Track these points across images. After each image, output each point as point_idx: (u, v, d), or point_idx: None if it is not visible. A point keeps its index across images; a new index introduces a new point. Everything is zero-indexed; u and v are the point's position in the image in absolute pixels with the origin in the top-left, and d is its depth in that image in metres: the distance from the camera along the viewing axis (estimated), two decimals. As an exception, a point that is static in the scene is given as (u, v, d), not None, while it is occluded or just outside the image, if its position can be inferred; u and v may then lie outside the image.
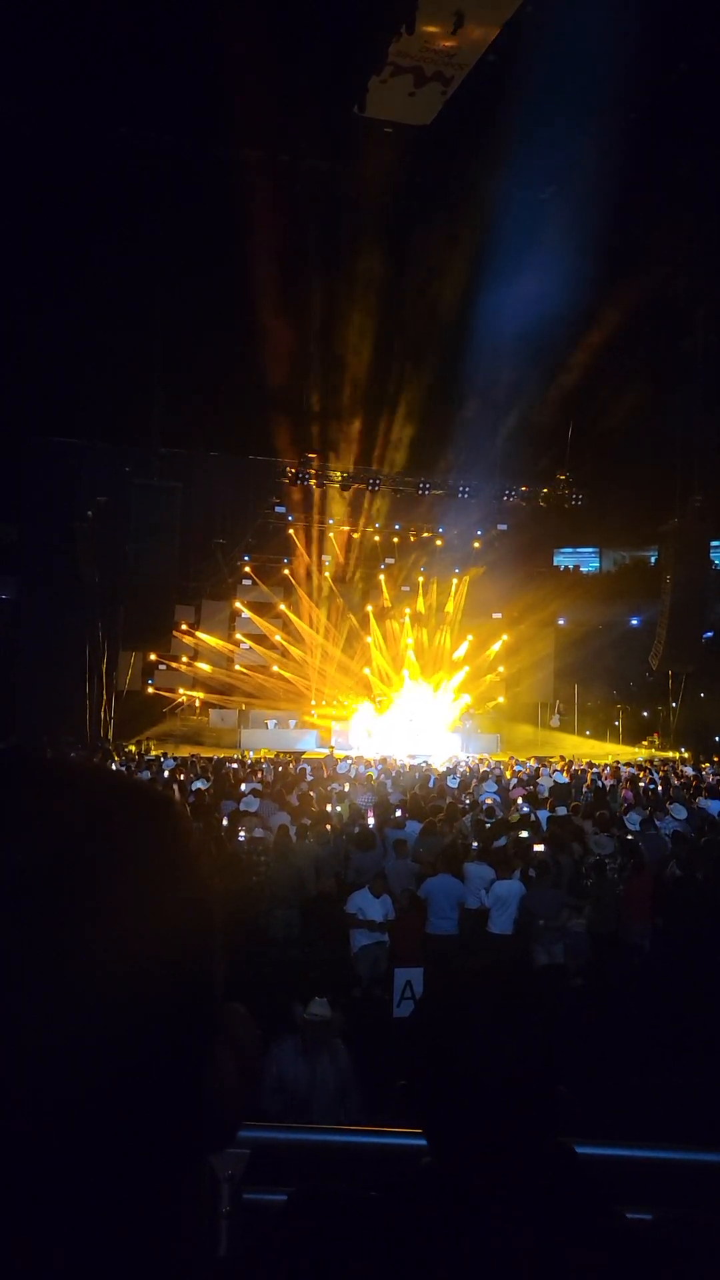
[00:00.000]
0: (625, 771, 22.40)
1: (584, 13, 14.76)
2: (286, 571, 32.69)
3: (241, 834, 12.28)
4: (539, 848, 11.49)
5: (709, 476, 26.09)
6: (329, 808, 15.45)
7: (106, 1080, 0.49)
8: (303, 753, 27.15)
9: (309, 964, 9.62)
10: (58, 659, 27.35)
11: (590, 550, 40.85)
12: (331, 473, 29.68)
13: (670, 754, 30.79)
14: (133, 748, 26.12)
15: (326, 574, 32.86)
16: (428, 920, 9.69)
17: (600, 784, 19.85)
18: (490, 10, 15.36)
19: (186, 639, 30.77)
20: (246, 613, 32.71)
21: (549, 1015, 1.06)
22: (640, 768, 24.21)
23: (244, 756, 25.29)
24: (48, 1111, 0.48)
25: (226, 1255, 1.93)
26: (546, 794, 17.63)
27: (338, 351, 26.85)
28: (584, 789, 19.23)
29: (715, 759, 27.44)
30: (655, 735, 33.86)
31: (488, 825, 13.56)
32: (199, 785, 17.15)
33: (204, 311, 23.21)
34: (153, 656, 29.63)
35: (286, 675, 32.62)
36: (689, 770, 24.60)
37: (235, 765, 21.88)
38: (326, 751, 26.52)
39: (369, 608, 33.53)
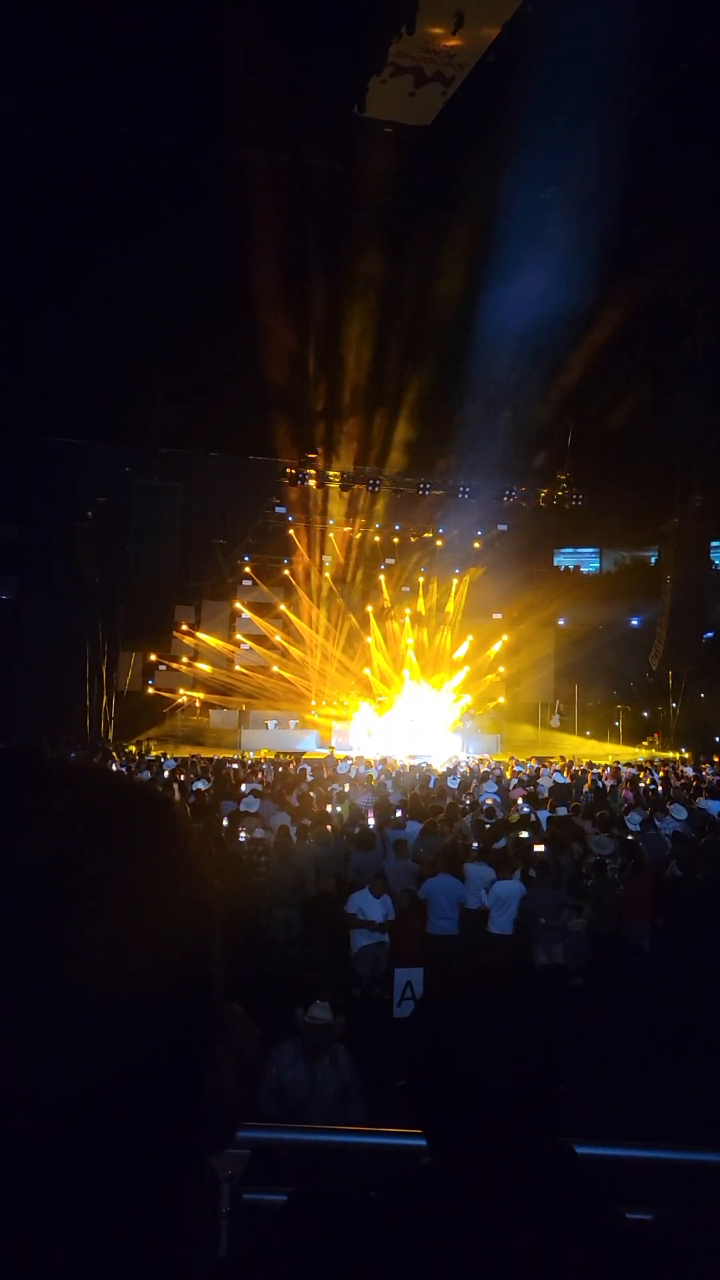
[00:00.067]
0: (625, 772, 22.40)
1: (584, 13, 14.75)
2: (286, 572, 32.70)
3: (242, 834, 12.28)
4: (539, 848, 11.50)
5: (709, 476, 26.08)
6: (329, 808, 15.45)
7: (106, 1080, 0.49)
8: (303, 753, 27.16)
9: (309, 964, 9.63)
10: (58, 659, 27.36)
11: (590, 550, 40.85)
12: (331, 473, 29.68)
13: (670, 754, 30.79)
14: (133, 748, 26.13)
15: (326, 574, 32.87)
16: (428, 920, 9.70)
17: (600, 784, 19.85)
18: (490, 10, 15.36)
19: (186, 639, 30.77)
20: (246, 613, 32.72)
21: (549, 1015, 1.06)
22: (640, 768, 24.21)
23: (244, 757, 25.29)
24: (48, 1111, 0.48)
25: (226, 1255, 1.93)
26: (546, 794, 17.63)
27: (338, 351, 26.85)
28: (584, 789, 19.23)
29: (715, 759, 27.44)
30: (655, 735, 33.86)
31: (488, 825, 13.56)
32: (199, 785, 17.15)
33: (204, 311, 23.20)
34: (153, 657, 29.62)
35: (286, 676, 32.63)
36: (689, 770, 24.60)
37: (235, 766, 21.88)
38: (327, 752, 26.52)
39: (369, 608, 33.53)
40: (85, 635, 27.27)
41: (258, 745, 28.54)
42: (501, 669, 35.00)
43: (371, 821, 13.92)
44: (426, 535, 33.70)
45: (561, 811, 15.01)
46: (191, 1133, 0.56)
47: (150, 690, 31.16)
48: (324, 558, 32.76)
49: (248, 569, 32.08)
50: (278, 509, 31.47)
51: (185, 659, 31.41)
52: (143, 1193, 0.52)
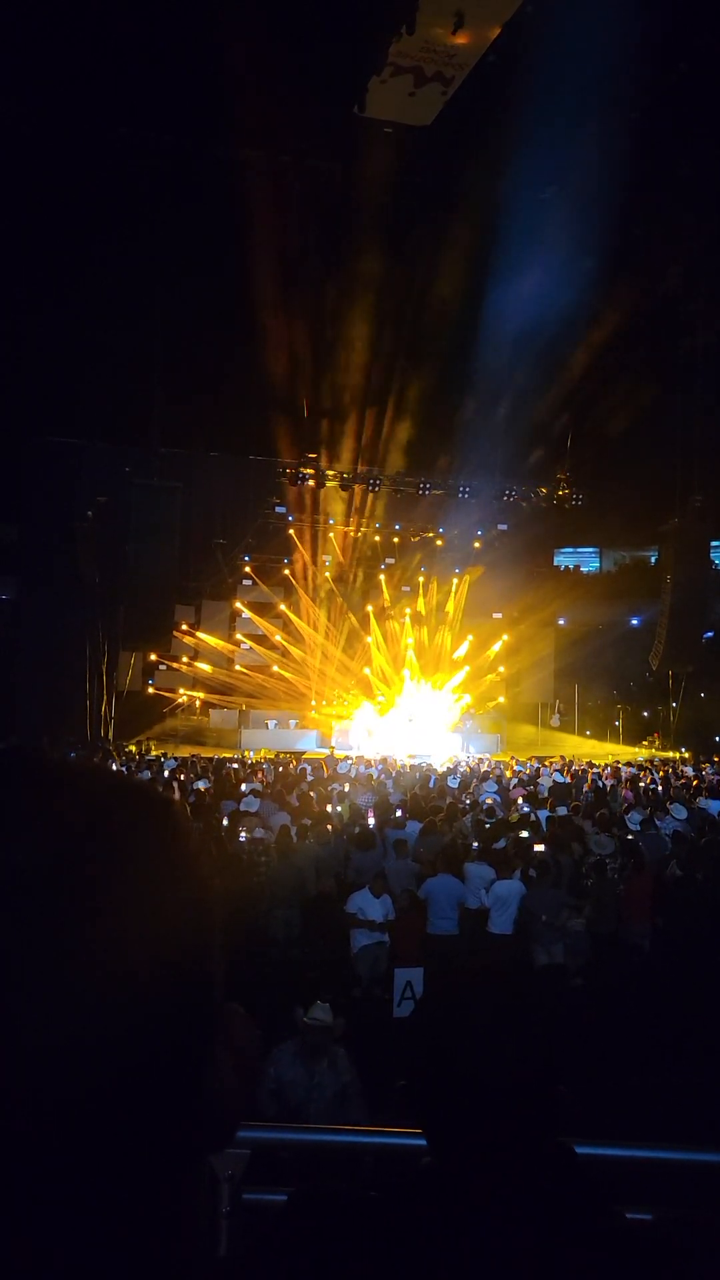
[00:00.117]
0: (625, 771, 22.40)
1: (584, 13, 14.76)
2: (286, 571, 32.69)
3: (242, 834, 12.28)
4: (539, 848, 11.49)
5: (709, 476, 26.10)
6: (329, 808, 15.45)
7: (106, 1080, 0.49)
8: (303, 753, 27.15)
9: (309, 964, 9.63)
10: (58, 659, 27.36)
11: (590, 550, 40.86)
12: (331, 473, 29.68)
13: (670, 754, 30.79)
14: (133, 748, 26.12)
15: (326, 574, 32.87)
16: (428, 920, 9.69)
17: (600, 784, 19.85)
18: (490, 10, 15.36)
19: (187, 639, 30.76)
20: (247, 613, 32.71)
21: (549, 1015, 1.06)
22: (640, 768, 24.21)
23: (244, 756, 25.29)
24: (48, 1111, 0.48)
25: (226, 1255, 1.93)
26: (546, 794, 17.63)
27: (338, 351, 26.87)
28: (584, 789, 19.23)
29: (715, 759, 27.44)
30: (655, 735, 33.87)
31: (488, 825, 13.56)
32: (200, 785, 17.16)
33: (204, 311, 23.22)
34: (153, 656, 29.62)
35: (287, 675, 32.63)
36: (689, 770, 24.61)
37: (235, 765, 21.88)
38: (327, 751, 26.52)
39: (369, 608, 33.52)
40: (85, 635, 27.27)
41: (258, 745, 28.53)
42: (501, 669, 35.00)
43: (371, 821, 13.92)
44: (426, 535, 33.70)
45: (561, 811, 15.00)
46: (191, 1133, 0.56)
47: (150, 690, 31.16)
48: (324, 557, 32.77)
49: (248, 569, 32.08)
50: (278, 509, 31.47)
51: (185, 659, 31.41)
52: (143, 1193, 0.52)
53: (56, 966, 0.48)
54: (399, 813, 14.53)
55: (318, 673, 33.02)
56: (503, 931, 9.84)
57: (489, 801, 16.02)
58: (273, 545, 32.27)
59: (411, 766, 23.67)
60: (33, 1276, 0.49)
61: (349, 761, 23.69)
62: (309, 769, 21.10)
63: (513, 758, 26.90)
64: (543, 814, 14.71)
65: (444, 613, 34.82)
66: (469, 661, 33.95)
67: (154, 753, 25.15)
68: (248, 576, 32.22)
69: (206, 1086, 0.56)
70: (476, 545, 33.86)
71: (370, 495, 30.91)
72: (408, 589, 34.66)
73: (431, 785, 19.51)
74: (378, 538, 33.42)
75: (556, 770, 22.29)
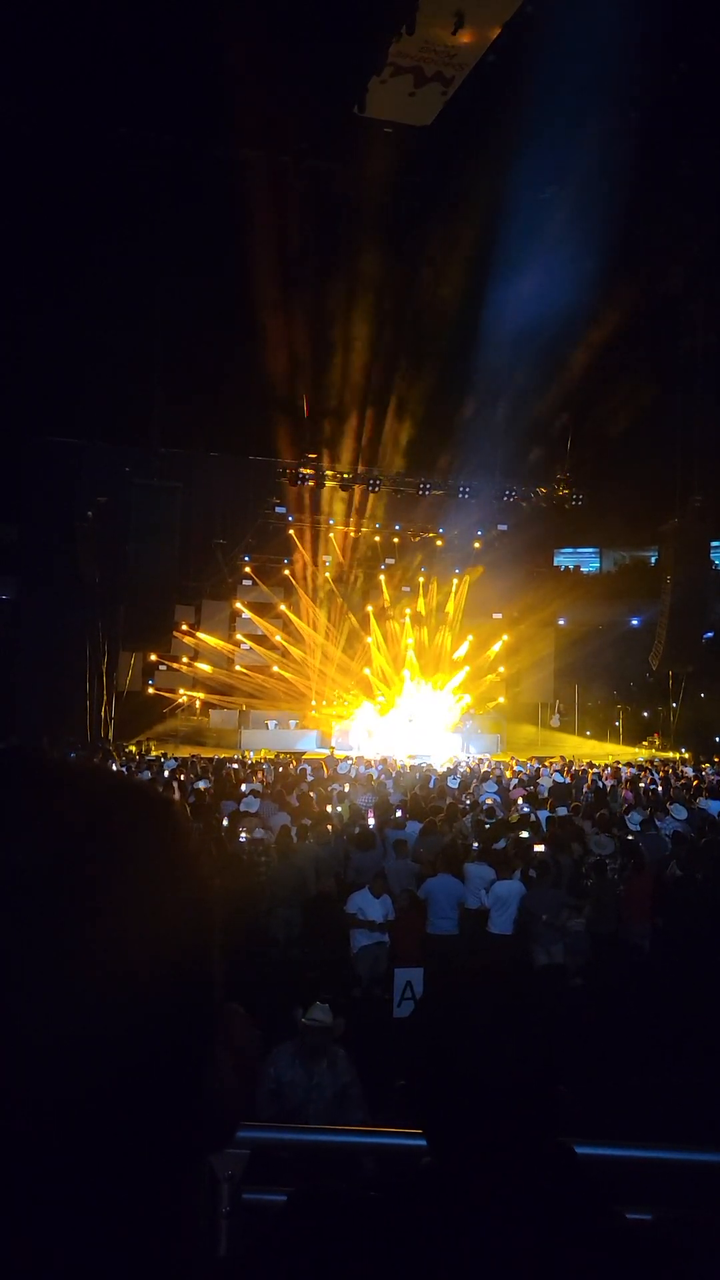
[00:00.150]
0: (625, 772, 22.40)
1: (584, 13, 14.76)
2: (286, 571, 32.68)
3: (242, 834, 12.28)
4: (539, 848, 11.49)
5: (709, 476, 26.10)
6: (329, 808, 15.44)
7: (106, 1080, 0.49)
8: (303, 753, 27.15)
9: (309, 964, 9.63)
10: (58, 659, 27.35)
11: (590, 550, 40.86)
12: (331, 473, 29.68)
13: (670, 754, 30.79)
14: (133, 748, 26.12)
15: (326, 574, 32.86)
16: (428, 920, 9.69)
17: (600, 784, 19.85)
18: (490, 10, 15.37)
19: (187, 639, 30.76)
20: (247, 613, 32.71)
21: (549, 1015, 1.06)
22: (640, 768, 24.21)
23: (244, 757, 25.29)
24: (48, 1111, 0.48)
25: (226, 1255, 1.93)
26: (546, 794, 17.63)
27: (338, 351, 26.87)
28: (584, 789, 19.23)
29: (715, 759, 27.44)
30: (655, 735, 33.86)
31: (488, 825, 13.56)
32: (201, 785, 17.16)
33: (204, 311, 23.22)
34: (153, 657, 29.62)
35: (287, 676, 32.62)
36: (689, 770, 24.61)
37: (235, 766, 21.88)
38: (327, 752, 26.52)
39: (369, 608, 33.52)
40: (85, 635, 27.26)
41: (258, 745, 28.53)
42: (501, 669, 34.99)
43: (371, 821, 13.92)
44: (426, 535, 33.69)
45: (561, 811, 15.00)
46: (191, 1133, 0.56)
47: (150, 690, 31.15)
48: (324, 558, 32.75)
49: (248, 569, 32.07)
50: (278, 509, 31.45)
51: (185, 659, 31.40)
52: (143, 1193, 0.52)
53: (56, 966, 0.48)
54: (399, 813, 14.52)
55: (318, 673, 33.02)
56: (503, 932, 9.84)
57: (489, 802, 16.02)
58: (273, 545, 32.26)
59: (411, 767, 23.67)
60: (33, 1276, 0.49)
61: (349, 762, 23.69)
62: (309, 769, 21.10)
63: (513, 758, 26.89)
64: (543, 814, 14.71)
65: (444, 613, 34.81)
66: (469, 662, 33.95)
67: (154, 753, 25.14)
68: (248, 576, 32.21)
69: (206, 1086, 0.56)
70: (476, 545, 33.84)
71: (370, 495, 30.90)
72: (408, 589, 34.65)
73: (431, 785, 19.51)
74: (378, 538, 33.41)
75: (556, 771, 22.29)
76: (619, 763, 25.11)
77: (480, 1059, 1.01)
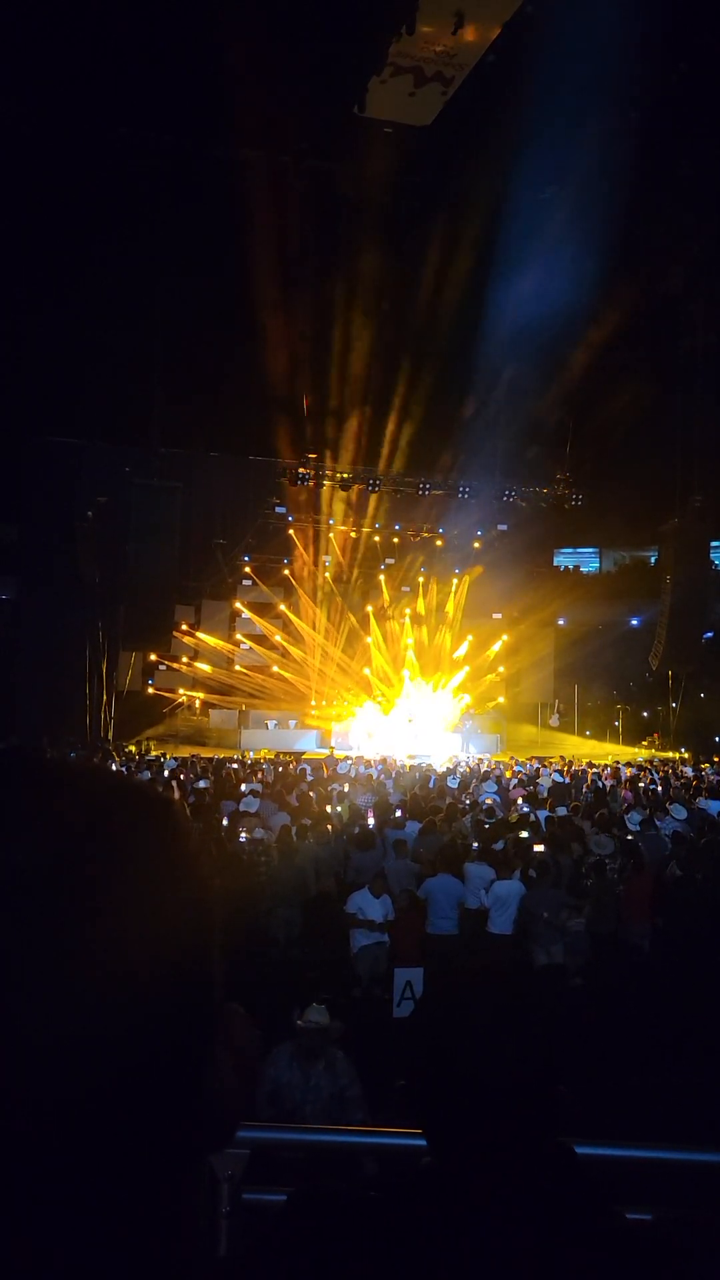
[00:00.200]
0: (625, 772, 22.40)
1: (584, 13, 14.76)
2: (286, 571, 32.68)
3: (242, 834, 12.29)
4: (539, 848, 11.49)
5: (709, 476, 26.09)
6: (329, 808, 15.45)
7: (106, 1080, 0.49)
8: (303, 753, 27.16)
9: (309, 964, 9.64)
10: (58, 659, 27.35)
11: (590, 550, 40.85)
12: (331, 473, 29.68)
13: (670, 754, 30.79)
14: (133, 748, 26.13)
15: (326, 574, 32.85)
16: (428, 920, 9.70)
17: (600, 784, 19.86)
18: (490, 10, 15.36)
19: (186, 639, 30.76)
20: (246, 613, 32.71)
21: (549, 1015, 1.06)
22: (640, 768, 24.22)
23: (244, 757, 25.29)
24: (48, 1111, 0.48)
25: (226, 1255, 1.93)
26: (546, 794, 17.63)
27: (338, 351, 26.86)
28: (584, 789, 19.23)
29: (715, 759, 27.44)
30: (655, 735, 33.86)
31: (487, 825, 13.56)
32: (201, 785, 17.16)
33: (204, 311, 23.22)
34: (153, 656, 29.62)
35: (287, 675, 32.62)
36: (689, 770, 24.61)
37: (235, 766, 21.89)
38: (327, 752, 26.53)
39: (369, 608, 33.52)
40: (85, 635, 27.27)
41: (258, 745, 28.54)
42: (501, 669, 34.99)
43: (371, 821, 13.92)
44: (426, 535, 33.69)
45: (561, 811, 15.01)
46: (191, 1133, 0.56)
47: (150, 690, 31.15)
48: (324, 558, 32.75)
49: (248, 569, 32.07)
50: (278, 509, 31.45)
51: (185, 659, 31.40)
52: (143, 1193, 0.52)
53: (56, 966, 0.48)
54: (398, 813, 14.53)
55: (317, 673, 33.02)
56: (502, 931, 9.84)
57: (489, 802, 16.03)
58: (273, 545, 32.27)
59: (411, 767, 23.67)
60: (33, 1276, 0.49)
61: (349, 762, 23.70)
62: (309, 769, 21.11)
63: (512, 758, 26.90)
64: (542, 814, 14.71)
65: (444, 613, 34.81)
66: (469, 662, 33.95)
67: (154, 753, 25.15)
68: (248, 576, 32.22)
69: (206, 1086, 0.56)
70: (476, 545, 33.84)
71: (370, 495, 30.90)
72: (407, 589, 34.65)
73: (431, 785, 19.51)
74: (378, 538, 33.40)
75: (556, 770, 22.30)
76: (619, 763, 25.11)
77: (480, 1059, 1.01)
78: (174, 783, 17.39)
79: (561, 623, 35.77)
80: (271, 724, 31.16)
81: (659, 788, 19.45)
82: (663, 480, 27.32)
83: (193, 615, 31.05)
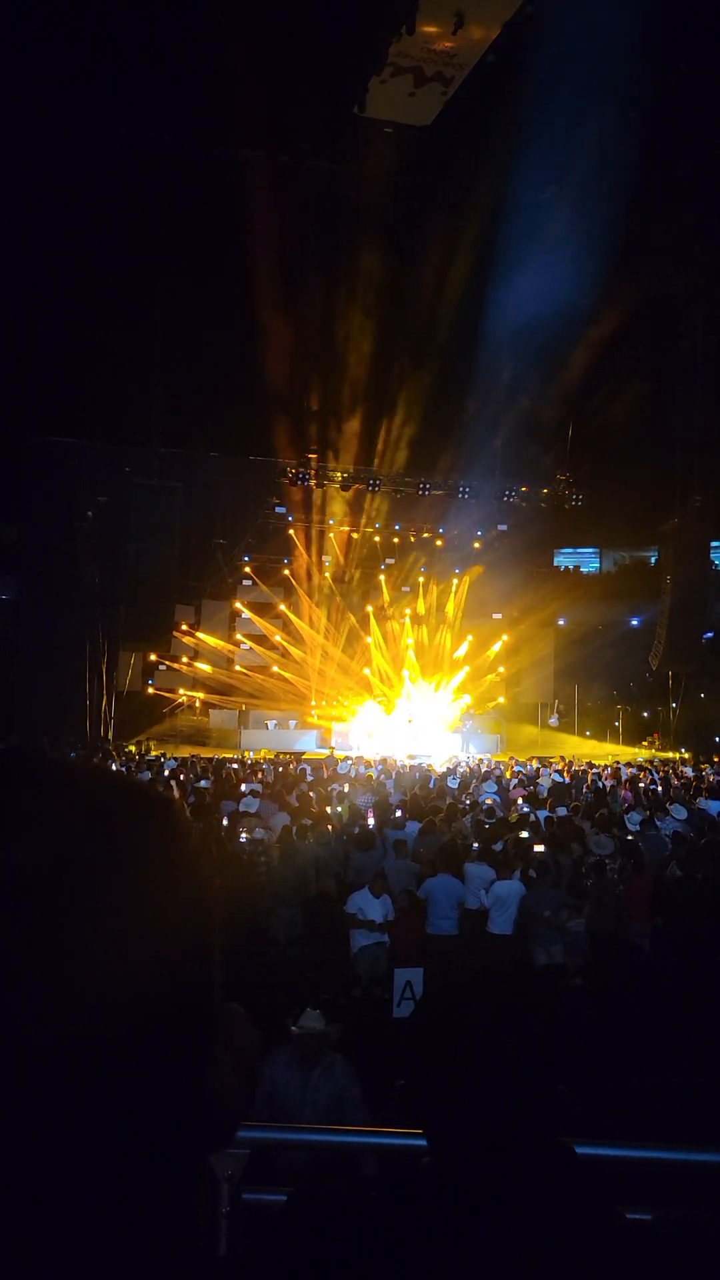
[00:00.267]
0: (625, 772, 22.40)
1: (584, 13, 14.76)
2: (286, 572, 32.68)
3: (242, 834, 12.29)
4: (539, 848, 11.49)
5: (709, 476, 26.10)
6: (329, 808, 15.45)
7: (106, 1080, 0.49)
8: (303, 753, 27.16)
9: (309, 964, 9.64)
10: (58, 659, 27.34)
11: (590, 550, 40.84)
12: (331, 473, 29.68)
13: (670, 754, 30.78)
14: (133, 748, 26.13)
15: (326, 574, 32.85)
16: (428, 920, 9.70)
17: (600, 784, 19.86)
18: (490, 10, 15.35)
19: (186, 639, 30.76)
20: (246, 613, 32.71)
21: (549, 1015, 1.06)
22: (640, 768, 24.21)
23: (244, 757, 25.29)
24: (48, 1111, 0.48)
25: (226, 1255, 1.93)
26: (546, 794, 17.63)
27: (338, 351, 26.87)
28: (584, 789, 19.23)
29: (715, 759, 27.44)
30: (655, 735, 33.85)
31: (488, 825, 13.57)
32: (201, 785, 17.17)
33: (204, 311, 23.23)
34: (153, 656, 29.62)
35: (287, 675, 32.62)
36: (689, 770, 24.60)
37: (235, 765, 21.89)
38: (327, 752, 26.52)
39: (369, 608, 33.52)
40: (85, 635, 27.26)
41: (258, 745, 28.54)
42: (501, 669, 34.99)
43: (371, 821, 13.92)
44: (426, 535, 33.69)
45: (561, 811, 15.01)
46: (191, 1133, 0.56)
47: (150, 690, 31.15)
48: (324, 558, 32.75)
49: (248, 569, 32.07)
50: (278, 509, 31.46)
51: (185, 659, 31.40)
52: (143, 1193, 0.52)
53: (56, 966, 0.48)
54: (398, 813, 14.53)
55: (318, 673, 33.02)
56: (502, 932, 9.84)
57: (489, 802, 16.03)
58: (273, 545, 32.27)
59: (411, 767, 23.67)
60: (33, 1276, 0.49)
61: (349, 762, 23.70)
62: (309, 769, 21.11)
63: (512, 758, 26.89)
64: (542, 814, 14.71)
65: (444, 613, 34.81)
66: (469, 662, 33.95)
67: (154, 753, 25.15)
68: (248, 576, 32.22)
69: (206, 1086, 0.56)
70: (476, 545, 33.84)
71: (370, 495, 30.91)
72: (408, 589, 34.64)
73: (431, 786, 19.51)
74: (378, 538, 33.41)
75: (556, 771, 22.29)
76: (619, 763, 25.11)
77: (480, 1059, 1.01)
78: (174, 783, 17.39)
79: (561, 623, 35.76)
80: (271, 724, 31.16)
81: (659, 788, 19.45)
82: (662, 480, 27.33)
83: (193, 615, 31.05)
